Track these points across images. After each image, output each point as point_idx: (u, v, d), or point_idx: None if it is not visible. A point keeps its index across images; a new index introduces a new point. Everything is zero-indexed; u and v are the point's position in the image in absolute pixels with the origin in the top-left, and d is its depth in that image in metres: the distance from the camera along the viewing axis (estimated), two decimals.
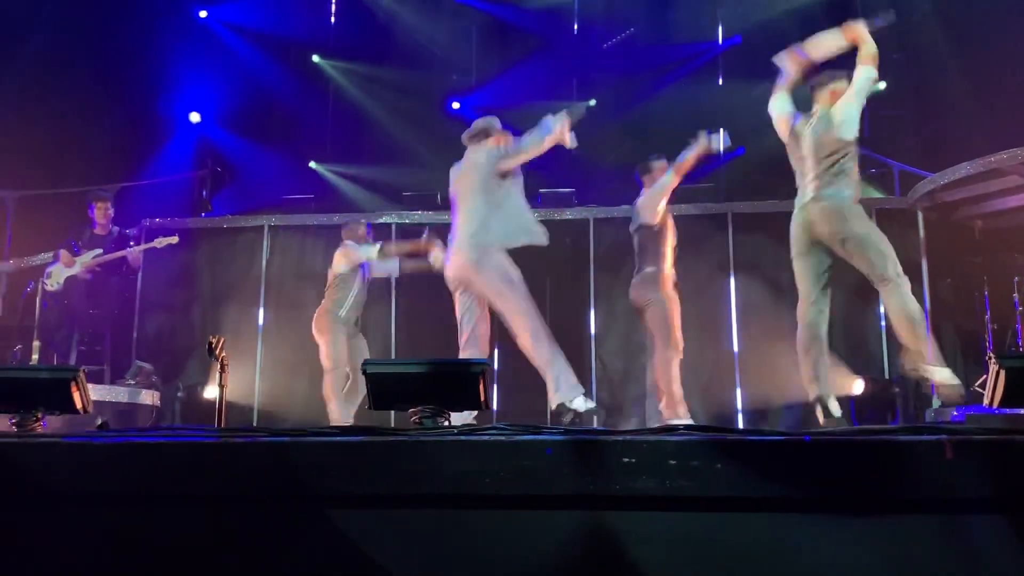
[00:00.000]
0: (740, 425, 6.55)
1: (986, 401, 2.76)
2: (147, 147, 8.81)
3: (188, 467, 2.23)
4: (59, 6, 7.97)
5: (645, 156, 5.57)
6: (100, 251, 6.80)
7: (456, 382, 2.82)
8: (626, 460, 2.06)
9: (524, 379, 7.52)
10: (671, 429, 2.24)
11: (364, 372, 2.82)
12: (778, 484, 2.05)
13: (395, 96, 9.05)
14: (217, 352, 3.65)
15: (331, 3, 9.72)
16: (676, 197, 6.74)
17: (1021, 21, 7.35)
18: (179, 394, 7.02)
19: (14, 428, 2.81)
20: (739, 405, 6.38)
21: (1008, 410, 2.92)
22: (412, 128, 8.91)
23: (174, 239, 6.93)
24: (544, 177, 8.11)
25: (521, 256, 6.13)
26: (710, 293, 6.94)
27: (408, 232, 5.99)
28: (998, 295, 5.98)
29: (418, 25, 9.26)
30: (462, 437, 2.22)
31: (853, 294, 6.93)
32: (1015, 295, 6.56)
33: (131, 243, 7.04)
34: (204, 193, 8.79)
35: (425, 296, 6.95)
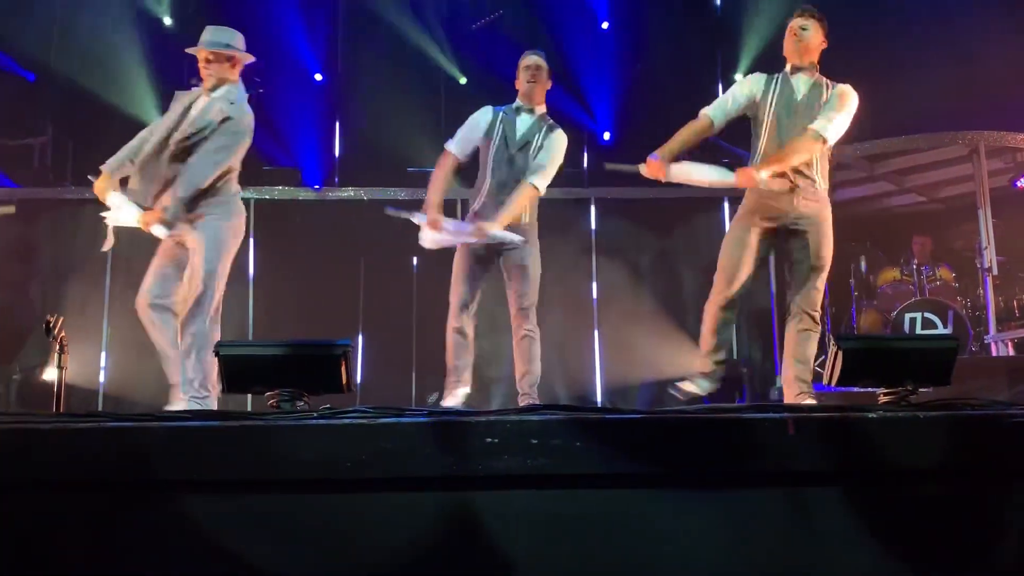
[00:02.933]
0: (599, 404, 6.72)
1: (825, 380, 2.94)
2: None
3: (20, 453, 2.07)
4: None
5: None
6: None
7: (316, 364, 2.73)
8: (489, 440, 2.07)
9: (390, 361, 7.47)
10: (534, 409, 2.27)
11: (217, 355, 2.69)
12: (635, 460, 2.11)
13: None
14: (56, 332, 3.40)
15: None
16: None
17: None
18: (15, 376, 6.54)
19: None
20: (599, 385, 6.54)
21: (845, 388, 3.13)
22: None
23: (10, 209, 6.43)
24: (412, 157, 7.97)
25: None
26: (573, 276, 7.06)
27: None
28: (836, 280, 6.37)
29: None
30: (321, 421, 2.17)
31: (705, 278, 7.23)
32: (851, 280, 7.05)
33: None
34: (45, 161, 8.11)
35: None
